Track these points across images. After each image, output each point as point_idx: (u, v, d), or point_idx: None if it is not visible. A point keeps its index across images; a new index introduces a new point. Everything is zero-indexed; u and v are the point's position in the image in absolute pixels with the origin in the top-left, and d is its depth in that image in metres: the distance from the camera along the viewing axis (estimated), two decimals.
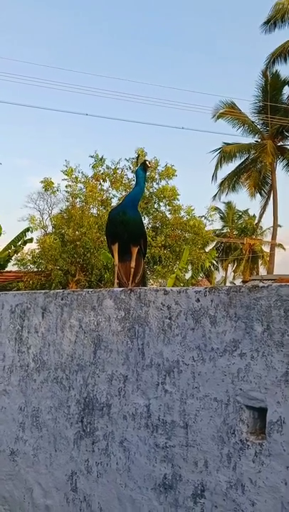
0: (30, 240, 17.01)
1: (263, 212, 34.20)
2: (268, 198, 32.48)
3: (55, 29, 59.73)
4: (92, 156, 16.39)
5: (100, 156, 16.42)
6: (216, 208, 26.57)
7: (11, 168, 53.92)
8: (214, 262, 33.28)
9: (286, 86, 29.68)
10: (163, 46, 65.45)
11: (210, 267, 25.61)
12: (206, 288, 2.43)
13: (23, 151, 58.24)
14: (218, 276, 40.51)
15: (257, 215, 38.49)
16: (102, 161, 16.44)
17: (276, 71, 29.15)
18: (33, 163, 57.76)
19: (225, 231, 42.81)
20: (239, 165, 32.02)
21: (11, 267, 16.99)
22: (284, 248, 39.22)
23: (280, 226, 33.18)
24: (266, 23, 27.01)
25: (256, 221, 39.28)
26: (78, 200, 16.22)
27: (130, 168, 16.15)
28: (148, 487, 2.55)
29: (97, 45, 64.25)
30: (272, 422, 2.08)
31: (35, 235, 17.57)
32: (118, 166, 16.42)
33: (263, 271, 38.35)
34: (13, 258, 16.74)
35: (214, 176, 31.63)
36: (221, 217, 42.15)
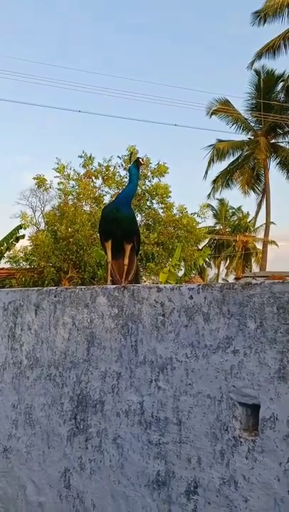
0: (22, 237, 16.89)
1: (259, 210, 34.25)
2: (263, 195, 32.53)
3: (55, 29, 59.71)
4: (80, 156, 16.38)
5: (88, 155, 16.39)
6: (209, 205, 26.60)
7: (12, 165, 53.78)
8: (207, 259, 33.28)
9: (280, 83, 29.66)
10: (158, 43, 65.32)
11: (203, 264, 25.64)
12: (199, 285, 2.43)
13: (24, 147, 58.15)
14: (211, 273, 40.62)
15: (250, 213, 38.65)
16: (91, 160, 16.41)
17: (271, 69, 29.19)
18: (34, 159, 57.60)
19: (217, 228, 42.84)
20: (232, 162, 32.04)
21: (3, 264, 16.89)
22: (277, 245, 39.42)
23: (273, 223, 33.30)
24: (256, 17, 26.80)
25: (251, 218, 39.39)
26: (70, 197, 16.17)
27: (122, 165, 16.13)
28: (141, 484, 2.55)
29: (92, 43, 64.07)
30: (265, 418, 2.09)
31: (28, 232, 17.48)
32: (110, 164, 16.40)
33: (255, 268, 38.44)
34: (5, 255, 16.63)
35: (206, 173, 31.64)
36: (214, 215, 42.18)
